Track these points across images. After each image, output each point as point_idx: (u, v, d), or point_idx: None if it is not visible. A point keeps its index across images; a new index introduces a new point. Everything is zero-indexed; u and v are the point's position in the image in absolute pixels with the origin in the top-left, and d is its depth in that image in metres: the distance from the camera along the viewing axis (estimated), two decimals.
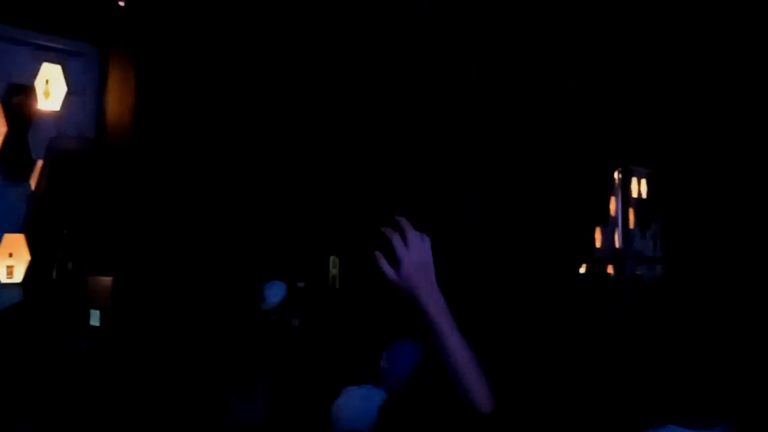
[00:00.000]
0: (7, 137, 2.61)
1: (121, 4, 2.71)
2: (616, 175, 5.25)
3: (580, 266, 4.46)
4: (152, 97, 2.65)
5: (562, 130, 4.07)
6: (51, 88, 2.74)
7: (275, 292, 2.33)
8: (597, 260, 4.92)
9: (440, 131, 3.55)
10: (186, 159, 2.69)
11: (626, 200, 5.46)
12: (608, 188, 5.04)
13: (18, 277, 2.54)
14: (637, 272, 5.51)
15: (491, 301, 3.22)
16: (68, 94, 2.76)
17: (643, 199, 5.79)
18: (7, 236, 2.56)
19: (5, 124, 2.61)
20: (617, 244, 5.36)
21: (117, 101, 2.72)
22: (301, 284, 2.29)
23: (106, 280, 2.36)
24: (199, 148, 2.73)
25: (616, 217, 5.37)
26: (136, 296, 2.48)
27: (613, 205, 5.32)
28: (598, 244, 5.03)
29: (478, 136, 3.69)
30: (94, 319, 2.27)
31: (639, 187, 5.79)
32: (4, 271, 2.54)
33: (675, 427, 1.17)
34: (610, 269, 5.20)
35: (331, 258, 2.87)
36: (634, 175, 5.65)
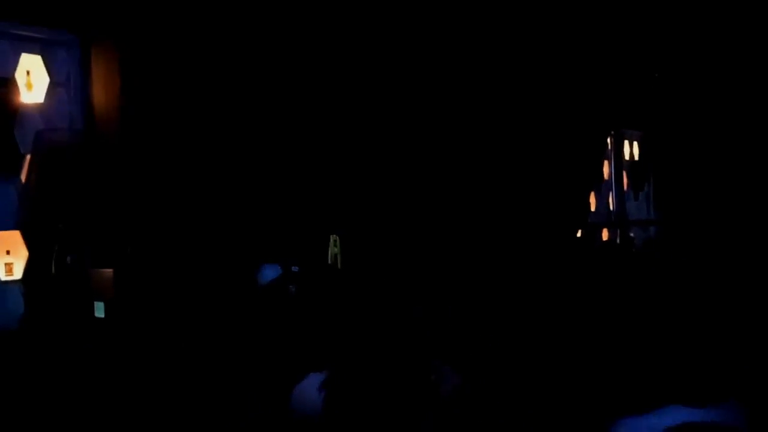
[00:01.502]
0: None
1: None
2: (608, 138, 5.26)
3: (576, 231, 4.49)
4: (138, 83, 2.60)
5: (554, 96, 4.05)
6: (33, 80, 2.67)
7: (268, 275, 2.32)
8: (592, 225, 4.95)
9: (437, 96, 3.52)
10: (177, 146, 2.65)
11: (619, 163, 5.48)
12: (601, 152, 5.05)
13: (18, 273, 2.52)
14: (631, 235, 5.56)
15: (489, 270, 3.24)
16: (51, 85, 2.69)
17: (636, 162, 5.81)
18: (3, 233, 2.52)
19: None
20: (612, 208, 5.40)
21: (102, 90, 2.66)
22: (295, 268, 2.28)
23: (108, 272, 2.35)
24: (189, 133, 2.68)
25: (609, 181, 5.39)
26: (137, 286, 2.47)
27: (607, 169, 5.34)
28: (592, 208, 5.06)
29: (475, 104, 3.67)
30: (99, 310, 2.27)
31: (631, 150, 5.81)
32: (3, 268, 2.51)
33: (681, 406, 1.16)
34: (605, 233, 5.25)
35: (332, 237, 2.86)
36: (626, 138, 5.66)
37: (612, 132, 5.33)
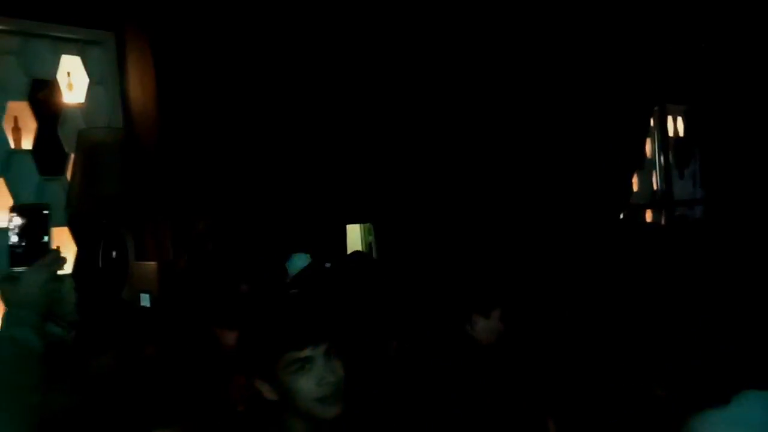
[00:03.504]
0: (38, 133, 2.64)
1: None
2: (651, 115, 5.04)
3: (618, 213, 4.35)
4: (173, 79, 2.64)
5: (593, 71, 3.91)
6: (73, 80, 2.75)
7: (298, 264, 2.34)
8: (635, 206, 4.78)
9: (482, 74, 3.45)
10: (212, 140, 2.68)
11: (663, 140, 5.25)
12: (644, 129, 4.85)
13: (68, 268, 2.62)
14: (677, 215, 5.34)
15: (532, 252, 3.18)
16: (91, 84, 2.77)
17: (681, 138, 5.56)
18: (53, 230, 2.62)
19: (35, 120, 2.64)
20: (656, 187, 5.20)
21: (139, 87, 2.71)
22: (328, 264, 2.29)
23: (152, 264, 2.42)
24: (224, 127, 2.72)
25: (653, 159, 5.19)
26: (178, 278, 2.54)
27: (650, 147, 5.13)
28: (635, 188, 4.89)
29: (512, 83, 3.58)
30: (145, 301, 2.35)
31: (675, 126, 5.56)
32: None
33: (756, 391, 1.10)
34: (649, 214, 5.07)
35: (366, 225, 2.86)
36: (670, 114, 5.41)
37: (655, 107, 5.11)
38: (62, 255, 1.09)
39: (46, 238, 1.09)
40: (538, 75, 3.69)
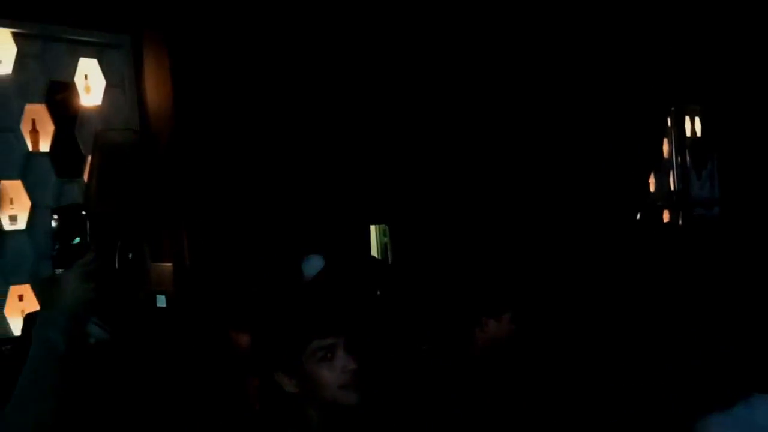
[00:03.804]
0: (56, 135, 2.67)
1: None
2: (668, 115, 4.99)
3: (635, 214, 4.30)
4: (188, 81, 2.66)
5: (609, 71, 3.88)
6: (90, 83, 2.77)
7: (313, 266, 2.34)
8: (652, 205, 4.73)
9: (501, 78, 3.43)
10: (227, 141, 2.69)
11: (680, 141, 5.19)
12: (661, 129, 4.80)
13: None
14: (695, 214, 5.27)
15: (549, 253, 3.15)
16: (108, 87, 2.79)
17: (698, 138, 5.49)
18: None
19: (52, 122, 2.66)
20: (673, 187, 5.14)
21: (155, 89, 2.73)
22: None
23: (167, 265, 2.43)
24: (239, 129, 2.73)
25: (670, 159, 5.13)
26: (193, 279, 2.55)
27: (667, 147, 5.08)
28: (652, 188, 4.83)
29: (528, 83, 3.56)
30: (161, 301, 2.36)
31: (693, 126, 5.49)
32: None
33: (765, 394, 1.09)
34: (666, 215, 5.01)
35: (381, 227, 2.85)
36: (687, 114, 5.35)
37: (672, 108, 5.05)
38: (99, 257, 1.07)
39: (83, 240, 1.09)
40: (556, 76, 3.66)
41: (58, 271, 1.09)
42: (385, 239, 2.86)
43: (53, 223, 1.13)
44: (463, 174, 3.28)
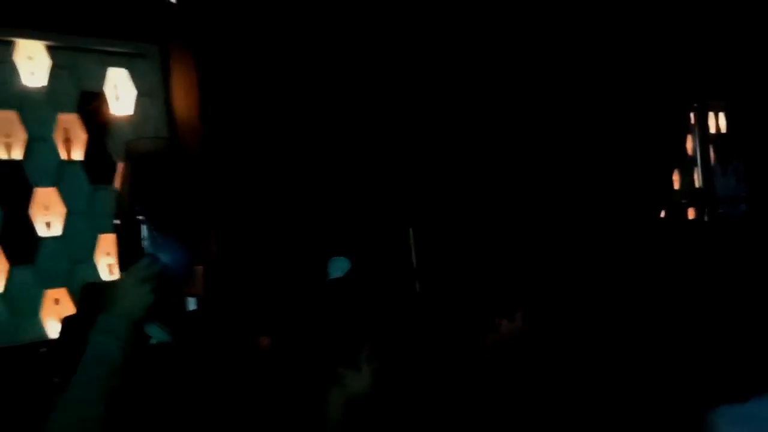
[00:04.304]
0: (88, 144, 2.74)
1: (174, 0, 2.75)
2: (691, 111, 4.92)
3: (659, 211, 4.26)
4: (215, 89, 2.71)
5: (631, 68, 3.84)
6: (120, 92, 2.85)
7: (338, 267, 2.36)
8: (676, 203, 4.67)
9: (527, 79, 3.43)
10: (254, 148, 2.74)
11: (704, 137, 5.12)
12: (684, 126, 4.74)
13: (118, 273, 2.71)
14: (720, 212, 5.19)
15: (572, 252, 3.14)
16: (138, 96, 2.86)
17: (723, 134, 5.41)
18: (102, 237, 2.72)
19: (84, 131, 2.74)
20: (697, 184, 5.07)
21: (183, 98, 2.79)
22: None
23: (198, 269, 2.48)
24: (265, 135, 2.77)
25: (694, 156, 5.06)
26: (223, 282, 2.60)
27: (691, 144, 5.01)
28: (675, 186, 4.77)
29: (551, 81, 3.55)
30: (191, 304, 2.41)
31: (717, 122, 5.41)
32: (106, 269, 2.72)
33: None
34: (691, 212, 4.94)
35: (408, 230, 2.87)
36: (711, 110, 5.27)
37: (695, 104, 4.98)
38: (156, 261, 1.09)
39: (141, 245, 1.12)
40: (579, 74, 3.64)
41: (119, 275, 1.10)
42: (409, 241, 2.88)
43: (115, 229, 1.16)
44: (483, 174, 3.29)
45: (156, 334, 1.14)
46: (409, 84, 3.14)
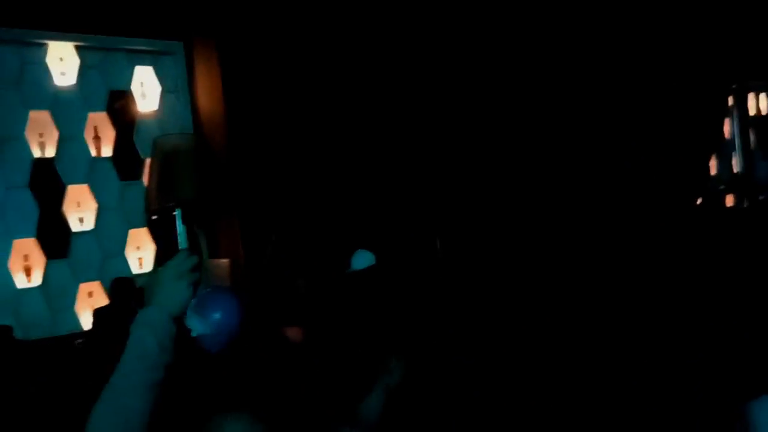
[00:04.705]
0: (117, 141, 2.81)
1: None
2: (730, 93, 4.72)
3: (695, 199, 4.11)
4: (239, 84, 2.73)
5: (666, 48, 3.70)
6: (146, 90, 2.90)
7: (361, 261, 2.36)
8: (713, 190, 4.51)
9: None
10: (277, 144, 2.76)
11: (743, 120, 4.91)
12: (722, 108, 4.55)
13: (148, 266, 2.79)
14: (760, 199, 4.99)
15: (606, 246, 3.07)
16: (163, 92, 2.91)
17: (763, 117, 5.18)
18: (132, 231, 2.80)
19: (113, 128, 2.81)
20: (735, 170, 4.88)
21: (207, 94, 2.83)
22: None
23: (224, 261, 2.53)
24: (289, 131, 2.78)
25: (732, 140, 4.87)
26: (248, 274, 2.63)
27: (729, 127, 4.81)
28: (713, 171, 4.60)
29: (582, 64, 3.46)
30: None
31: (757, 104, 5.18)
32: (137, 263, 2.79)
33: None
34: (729, 199, 4.76)
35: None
36: (750, 91, 5.04)
37: (734, 85, 4.78)
38: (193, 255, 1.08)
39: (177, 238, 1.12)
40: (611, 57, 3.54)
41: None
42: (434, 237, 2.86)
43: (152, 223, 1.16)
44: (520, 164, 3.23)
45: (196, 327, 1.15)
46: (434, 84, 3.11)
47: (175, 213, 1.13)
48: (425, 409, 1.48)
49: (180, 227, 1.14)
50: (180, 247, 1.09)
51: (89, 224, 2.72)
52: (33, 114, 2.59)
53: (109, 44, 2.77)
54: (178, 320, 1.04)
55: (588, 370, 1.77)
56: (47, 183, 2.62)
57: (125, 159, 2.81)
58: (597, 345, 1.90)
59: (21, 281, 2.51)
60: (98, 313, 2.21)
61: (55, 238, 2.61)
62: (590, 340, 1.92)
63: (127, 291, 2.36)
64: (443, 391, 1.55)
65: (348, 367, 1.27)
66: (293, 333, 1.78)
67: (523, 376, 1.64)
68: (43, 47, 2.62)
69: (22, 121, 2.57)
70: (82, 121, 2.73)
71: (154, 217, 1.16)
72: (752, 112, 5.08)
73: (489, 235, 3.07)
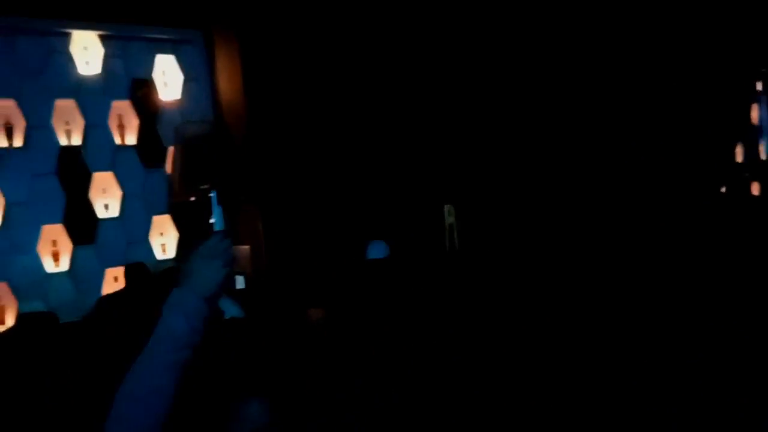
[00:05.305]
0: (140, 129, 2.86)
1: None
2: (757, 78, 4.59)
3: (719, 187, 4.03)
4: (258, 72, 2.75)
5: (690, 32, 3.62)
6: (168, 78, 2.94)
7: (377, 251, 2.37)
8: (739, 177, 4.41)
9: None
10: (296, 131, 2.77)
11: None
12: (749, 94, 4.43)
13: (171, 252, 2.84)
14: None
15: (628, 234, 3.03)
16: (185, 81, 2.94)
17: None
18: (156, 218, 2.85)
19: (137, 117, 2.85)
20: (763, 157, 4.76)
21: (227, 82, 2.85)
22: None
23: (245, 248, 2.56)
24: (307, 118, 2.80)
25: (759, 126, 4.74)
26: (269, 261, 2.67)
27: (756, 113, 4.69)
28: (738, 158, 4.50)
29: (608, 48, 3.40)
30: (240, 282, 2.49)
31: None
32: (160, 248, 2.85)
33: None
34: (755, 187, 4.65)
35: (447, 206, 2.85)
36: None
37: (762, 69, 4.65)
38: (227, 238, 1.05)
39: (212, 221, 1.11)
40: (636, 41, 3.47)
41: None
42: (451, 219, 2.86)
43: (188, 205, 1.15)
44: (539, 149, 3.20)
45: (229, 309, 1.15)
46: (447, 69, 3.09)
47: (211, 195, 1.13)
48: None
49: (216, 209, 1.13)
50: (215, 229, 1.09)
51: (114, 211, 2.77)
52: (59, 102, 2.64)
53: (131, 33, 2.80)
54: (211, 301, 1.05)
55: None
56: (74, 170, 2.68)
57: (148, 147, 2.86)
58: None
59: (49, 266, 2.58)
60: (102, 301, 2.22)
61: (81, 224, 2.67)
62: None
63: (140, 276, 2.40)
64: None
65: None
66: (316, 314, 1.81)
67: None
68: (67, 37, 2.67)
69: (49, 109, 2.62)
70: (106, 110, 2.77)
71: (192, 199, 1.16)
72: None
73: (499, 229, 3.05)
